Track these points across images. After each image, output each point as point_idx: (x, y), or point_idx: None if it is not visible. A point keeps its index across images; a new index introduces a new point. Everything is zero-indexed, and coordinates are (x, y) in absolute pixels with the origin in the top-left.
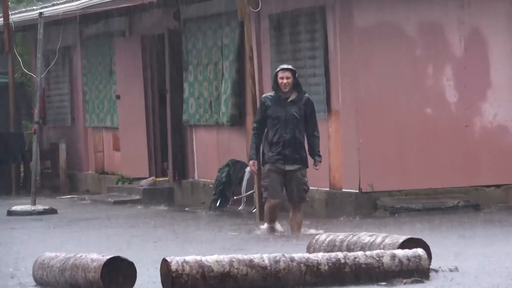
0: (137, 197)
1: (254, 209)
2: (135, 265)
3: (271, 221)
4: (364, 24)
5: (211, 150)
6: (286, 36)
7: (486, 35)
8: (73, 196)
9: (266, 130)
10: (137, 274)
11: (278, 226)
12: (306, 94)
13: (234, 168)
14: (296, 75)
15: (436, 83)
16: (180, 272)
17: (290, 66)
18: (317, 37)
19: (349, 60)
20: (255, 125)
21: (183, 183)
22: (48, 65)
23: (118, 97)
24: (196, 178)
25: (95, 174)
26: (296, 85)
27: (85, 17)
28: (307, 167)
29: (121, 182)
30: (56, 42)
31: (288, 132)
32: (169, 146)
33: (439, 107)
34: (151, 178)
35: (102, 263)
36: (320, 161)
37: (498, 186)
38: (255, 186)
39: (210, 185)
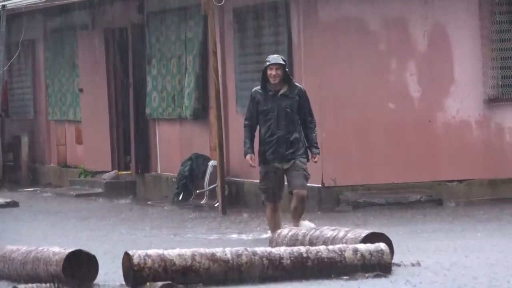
0: (100, 190)
1: (216, 203)
2: (97, 259)
3: (274, 230)
4: (328, 19)
5: (174, 143)
6: (249, 30)
7: (449, 31)
8: (35, 189)
9: (258, 127)
10: (99, 267)
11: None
12: (298, 84)
13: (197, 162)
14: (286, 68)
15: (399, 78)
16: (142, 265)
17: (279, 59)
18: (281, 32)
19: (313, 54)
20: (246, 122)
21: (145, 177)
22: (11, 58)
23: (81, 90)
24: (159, 171)
25: (58, 167)
26: (286, 78)
27: (49, 10)
28: (308, 159)
29: (84, 176)
30: (19, 35)
31: (282, 128)
32: (131, 139)
33: (403, 102)
34: (114, 171)
35: (64, 256)
36: (318, 153)
37: (460, 181)
38: (218, 180)
39: (173, 179)
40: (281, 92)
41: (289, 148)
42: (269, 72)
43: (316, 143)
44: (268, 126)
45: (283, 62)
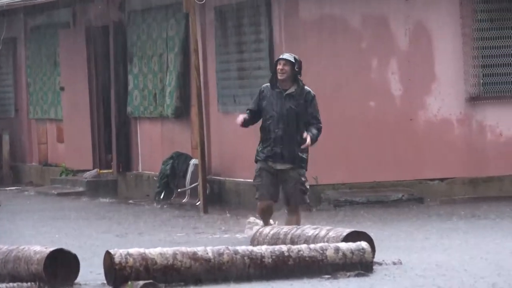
0: (81, 189)
1: (198, 201)
2: (78, 257)
3: (265, 223)
4: (310, 17)
5: (156, 142)
6: (231, 29)
7: (430, 29)
8: (17, 187)
9: (260, 125)
10: (80, 266)
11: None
12: (308, 89)
13: (179, 161)
14: (296, 67)
15: (380, 76)
16: (123, 264)
17: (290, 57)
18: (262, 30)
19: (295, 52)
20: (247, 110)
21: (127, 175)
22: None
23: (62, 88)
24: (140, 170)
25: (39, 166)
26: (296, 79)
27: (30, 8)
28: (305, 169)
29: (65, 174)
30: (0, 33)
31: (281, 127)
32: (113, 138)
33: (384, 100)
34: (95, 170)
35: (45, 255)
36: (311, 137)
37: (442, 179)
38: (199, 179)
39: (154, 178)
40: (288, 91)
41: (285, 149)
42: (277, 67)
43: (314, 133)
44: (268, 123)
45: (292, 59)
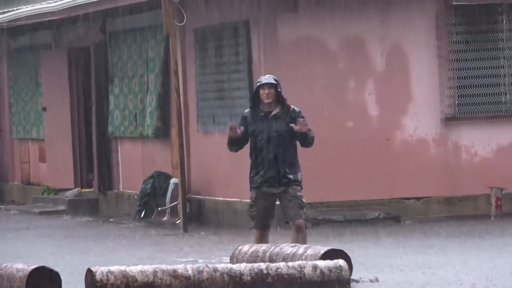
0: (63, 207)
1: (178, 220)
2: (60, 275)
3: None
4: (288, 39)
5: (136, 161)
6: (210, 50)
7: (407, 50)
8: None
9: (249, 151)
10: (62, 283)
11: None
12: (292, 106)
13: (159, 180)
14: (279, 88)
15: (358, 97)
16: (104, 282)
17: (270, 78)
18: (241, 51)
19: (273, 74)
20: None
21: (108, 194)
22: None
23: (44, 109)
24: (121, 189)
25: (21, 185)
26: (279, 99)
27: (12, 30)
28: (301, 187)
29: (47, 193)
30: None
31: (271, 150)
32: (94, 157)
33: (361, 120)
34: (77, 189)
35: (27, 273)
36: (304, 119)
37: (418, 198)
38: (179, 198)
39: (135, 196)
40: (274, 113)
41: (280, 171)
42: (261, 91)
43: (308, 131)
44: (259, 148)
45: (275, 82)
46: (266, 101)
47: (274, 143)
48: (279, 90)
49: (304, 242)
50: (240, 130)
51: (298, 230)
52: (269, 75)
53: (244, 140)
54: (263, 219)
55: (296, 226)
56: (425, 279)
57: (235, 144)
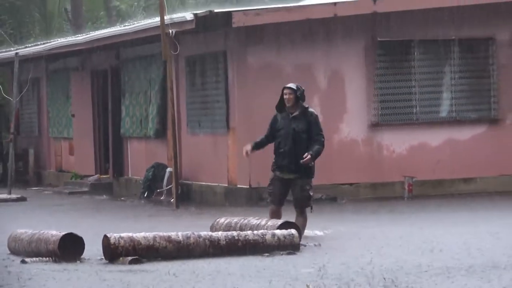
0: (86, 189)
1: (172, 199)
2: (84, 239)
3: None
4: (255, 65)
5: (141, 155)
6: (197, 72)
7: (343, 73)
8: (39, 188)
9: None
10: (85, 245)
11: None
12: (310, 109)
13: (158, 169)
14: (298, 93)
15: None
16: (117, 244)
17: (293, 85)
18: (220, 74)
19: (243, 91)
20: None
21: (120, 179)
22: (21, 91)
23: (73, 115)
24: (130, 175)
25: (55, 172)
26: (299, 103)
27: (50, 56)
28: (310, 177)
29: (74, 178)
30: (27, 74)
31: (288, 144)
32: (110, 152)
33: None
34: (97, 175)
35: (59, 237)
36: (311, 154)
37: (350, 184)
38: (173, 182)
39: (140, 181)
40: (294, 114)
41: (292, 162)
42: (284, 95)
43: (314, 151)
44: (278, 141)
45: (294, 87)
46: (287, 104)
47: (291, 139)
48: (298, 95)
49: (304, 223)
50: (248, 154)
51: (299, 215)
52: (293, 83)
53: (270, 139)
54: (277, 197)
55: (299, 212)
56: (351, 244)
57: (260, 148)
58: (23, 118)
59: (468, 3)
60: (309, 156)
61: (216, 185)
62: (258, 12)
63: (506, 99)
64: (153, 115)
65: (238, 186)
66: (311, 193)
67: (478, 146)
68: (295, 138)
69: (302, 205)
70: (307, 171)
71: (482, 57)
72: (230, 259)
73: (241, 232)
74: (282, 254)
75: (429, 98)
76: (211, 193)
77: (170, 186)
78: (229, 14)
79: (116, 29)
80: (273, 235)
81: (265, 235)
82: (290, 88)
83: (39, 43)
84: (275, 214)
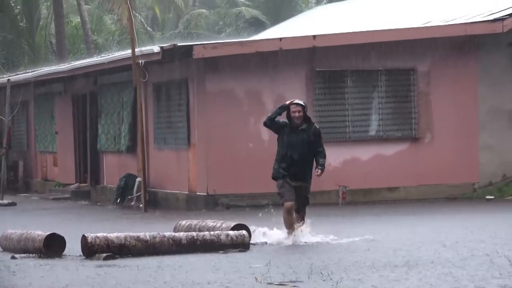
0: (68, 196)
1: (141, 204)
2: (65, 238)
3: (289, 227)
4: (213, 90)
5: (115, 167)
6: (163, 96)
7: (287, 98)
8: (27, 194)
9: (277, 148)
10: (66, 244)
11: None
12: (315, 125)
13: (129, 179)
14: (306, 110)
15: (256, 128)
16: (93, 243)
17: (300, 102)
18: (182, 97)
19: (202, 112)
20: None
21: (97, 187)
22: (13, 112)
23: (56, 132)
24: (105, 184)
25: (41, 181)
26: (306, 117)
27: (37, 82)
28: (310, 183)
29: (58, 186)
30: (18, 98)
31: (296, 153)
32: (88, 164)
33: (258, 142)
34: (77, 184)
35: (44, 237)
36: (321, 169)
37: None
38: (142, 190)
39: (114, 189)
40: (301, 127)
41: (298, 169)
42: (292, 112)
43: (322, 164)
44: (287, 150)
45: (302, 103)
46: (296, 121)
47: (299, 149)
48: (305, 111)
49: (301, 222)
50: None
51: (300, 218)
52: (299, 99)
53: (276, 125)
54: (290, 194)
55: (300, 216)
56: (300, 243)
57: (274, 116)
58: (14, 135)
59: (393, 39)
60: (320, 172)
61: (179, 192)
62: (215, 46)
63: (425, 120)
64: (125, 132)
65: (197, 193)
66: (309, 199)
67: (402, 160)
68: (304, 149)
69: (302, 210)
70: (309, 179)
71: (404, 85)
72: (190, 255)
73: (199, 233)
74: (234, 252)
75: (360, 120)
76: (174, 199)
77: (139, 193)
78: (190, 47)
79: (94, 59)
80: (227, 235)
81: (220, 235)
82: (299, 104)
83: (28, 71)
84: (291, 210)
